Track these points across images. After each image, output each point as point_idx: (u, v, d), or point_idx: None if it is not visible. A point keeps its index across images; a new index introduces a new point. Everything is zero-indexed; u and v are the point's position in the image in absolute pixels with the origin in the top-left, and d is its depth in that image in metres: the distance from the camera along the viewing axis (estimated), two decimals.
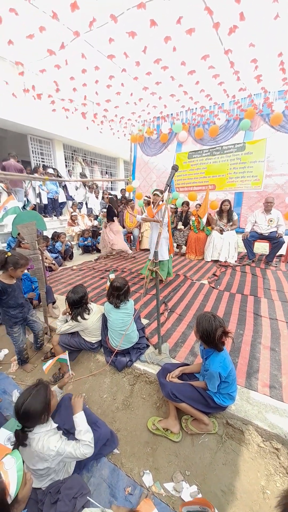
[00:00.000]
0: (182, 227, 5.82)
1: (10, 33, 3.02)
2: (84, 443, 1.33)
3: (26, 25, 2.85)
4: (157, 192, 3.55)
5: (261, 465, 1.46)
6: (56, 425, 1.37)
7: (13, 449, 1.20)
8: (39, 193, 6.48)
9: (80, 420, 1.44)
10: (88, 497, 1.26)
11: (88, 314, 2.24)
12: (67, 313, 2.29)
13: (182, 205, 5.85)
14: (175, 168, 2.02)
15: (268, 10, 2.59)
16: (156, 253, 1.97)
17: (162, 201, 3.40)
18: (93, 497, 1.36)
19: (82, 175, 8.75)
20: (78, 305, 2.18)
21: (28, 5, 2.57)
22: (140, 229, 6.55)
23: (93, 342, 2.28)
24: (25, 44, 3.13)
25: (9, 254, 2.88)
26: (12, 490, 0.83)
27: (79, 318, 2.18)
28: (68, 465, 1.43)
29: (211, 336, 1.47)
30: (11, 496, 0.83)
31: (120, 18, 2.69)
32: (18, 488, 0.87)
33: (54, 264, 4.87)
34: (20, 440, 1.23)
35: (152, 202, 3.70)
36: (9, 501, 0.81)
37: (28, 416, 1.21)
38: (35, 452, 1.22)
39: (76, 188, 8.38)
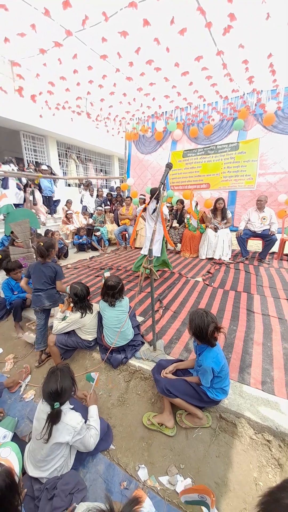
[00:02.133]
0: (177, 225, 5.85)
1: (1, 30, 2.96)
2: (94, 431, 1.51)
3: (17, 22, 2.80)
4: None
5: (253, 457, 1.49)
6: (72, 405, 1.51)
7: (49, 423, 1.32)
8: (33, 190, 6.39)
9: (94, 410, 1.66)
10: (85, 494, 1.28)
11: (92, 308, 2.30)
12: (66, 310, 2.28)
13: (176, 203, 5.88)
14: (169, 166, 2.02)
15: (258, 11, 2.61)
16: (150, 251, 1.98)
17: (157, 199, 3.44)
18: (89, 493, 1.38)
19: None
20: (87, 298, 2.26)
21: (19, 1, 2.51)
22: (135, 227, 6.53)
23: (90, 340, 2.29)
24: (17, 41, 3.07)
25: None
26: (17, 470, 0.94)
27: (87, 311, 2.25)
28: (68, 459, 1.44)
29: (204, 332, 1.49)
30: (18, 475, 0.93)
31: (113, 18, 2.67)
32: (21, 468, 0.93)
33: None
34: (57, 416, 1.35)
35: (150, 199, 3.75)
36: (17, 480, 0.89)
37: (65, 393, 1.38)
38: (63, 424, 1.36)
39: (69, 185, 8.32)
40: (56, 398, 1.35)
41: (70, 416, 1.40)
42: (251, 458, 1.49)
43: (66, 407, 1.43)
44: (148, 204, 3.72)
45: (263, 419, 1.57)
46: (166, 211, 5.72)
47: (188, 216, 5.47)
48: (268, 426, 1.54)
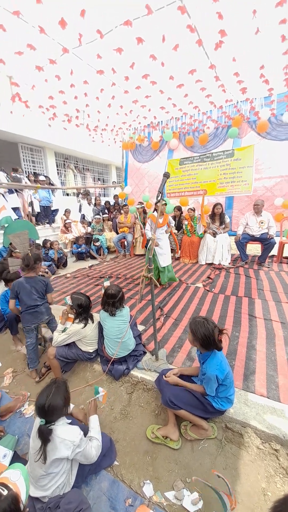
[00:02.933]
0: (176, 231, 5.87)
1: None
2: (96, 442, 1.46)
3: (14, 39, 2.89)
4: (165, 202, 3.78)
5: (261, 467, 1.45)
6: (70, 420, 1.45)
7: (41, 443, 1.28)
8: (31, 201, 6.44)
9: (95, 420, 1.60)
10: None
11: (93, 318, 2.28)
12: (67, 321, 2.26)
13: (174, 210, 5.92)
14: (166, 176, 2.05)
15: (248, 26, 2.72)
16: (150, 260, 1.98)
17: (156, 210, 3.51)
18: (94, 510, 1.33)
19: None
20: (88, 308, 2.23)
21: (16, 20, 2.61)
22: (134, 235, 6.57)
23: (91, 351, 2.25)
24: (14, 58, 3.17)
25: None
26: (23, 497, 0.92)
27: (89, 321, 2.22)
28: (70, 476, 1.40)
29: (211, 339, 1.49)
30: (23, 502, 0.90)
31: (108, 35, 2.77)
32: (27, 495, 0.94)
33: (47, 272, 4.82)
34: (45, 435, 1.29)
35: (155, 210, 3.81)
36: (22, 508, 0.87)
37: (53, 410, 1.31)
38: (59, 439, 1.30)
39: (68, 194, 8.39)
40: (43, 415, 1.30)
41: (67, 431, 1.35)
42: (258, 469, 1.45)
43: (62, 422, 1.37)
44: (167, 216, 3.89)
45: (270, 427, 1.54)
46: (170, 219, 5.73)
47: (186, 222, 5.51)
48: (275, 434, 1.50)
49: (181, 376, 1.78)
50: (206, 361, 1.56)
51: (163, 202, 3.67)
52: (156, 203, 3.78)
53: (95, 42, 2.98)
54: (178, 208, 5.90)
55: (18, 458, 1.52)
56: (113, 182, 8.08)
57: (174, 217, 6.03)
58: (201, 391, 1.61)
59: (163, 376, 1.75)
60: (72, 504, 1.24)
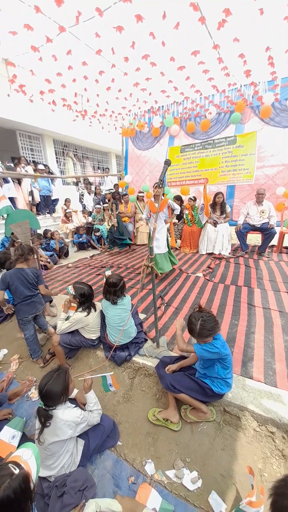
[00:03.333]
0: (176, 221, 5.83)
1: None
2: (97, 412, 1.59)
3: (10, 19, 2.76)
4: (157, 184, 3.58)
5: (257, 448, 1.52)
6: (74, 405, 1.52)
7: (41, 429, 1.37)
8: (31, 191, 6.37)
9: (92, 395, 1.65)
10: (94, 491, 1.31)
11: (96, 307, 2.33)
12: (69, 310, 2.30)
13: (173, 199, 5.82)
14: (167, 163, 2.02)
15: (252, 7, 2.58)
16: (151, 249, 1.99)
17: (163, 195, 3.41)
18: (98, 488, 1.41)
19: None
20: (91, 297, 2.27)
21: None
22: (134, 224, 6.54)
23: (94, 338, 2.31)
24: (10, 39, 3.03)
25: None
26: (33, 476, 0.92)
27: (92, 310, 2.27)
28: (75, 455, 1.47)
29: (216, 323, 1.54)
30: (34, 482, 0.91)
31: (107, 13, 2.63)
32: (37, 475, 0.96)
33: (49, 262, 4.85)
34: (42, 417, 1.37)
35: (154, 196, 3.69)
36: (32, 487, 0.89)
37: (49, 396, 1.38)
38: (62, 421, 1.38)
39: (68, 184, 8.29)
40: (41, 398, 1.39)
41: (68, 413, 1.42)
42: (255, 450, 1.52)
43: (64, 407, 1.44)
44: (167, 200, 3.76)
45: (266, 411, 1.60)
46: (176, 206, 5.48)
47: (187, 212, 5.46)
48: (271, 418, 1.57)
49: (181, 369, 1.83)
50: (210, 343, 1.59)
51: (156, 184, 3.59)
52: (153, 187, 3.70)
53: (93, 20, 2.84)
54: (178, 198, 5.81)
55: (26, 439, 1.59)
56: (115, 185, 7.94)
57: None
58: (195, 356, 1.63)
59: (165, 370, 1.80)
60: (78, 482, 1.31)
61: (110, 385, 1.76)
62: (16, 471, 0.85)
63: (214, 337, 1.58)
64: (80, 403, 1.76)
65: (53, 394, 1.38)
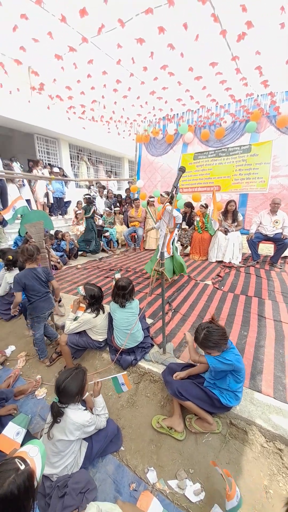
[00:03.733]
0: (186, 227, 5.82)
1: (20, 37, 3.06)
2: (104, 416, 1.60)
3: (35, 28, 2.89)
4: (163, 194, 3.66)
5: (264, 465, 1.47)
6: (84, 407, 1.53)
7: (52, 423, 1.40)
8: (47, 192, 6.54)
9: (101, 399, 1.66)
10: (95, 494, 1.30)
11: (104, 309, 2.34)
12: (78, 310, 2.33)
13: (183, 206, 5.82)
14: (182, 170, 2.03)
15: (273, 19, 2.60)
16: (162, 254, 2.00)
17: (170, 202, 3.45)
18: (98, 492, 1.40)
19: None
20: (101, 299, 2.29)
21: (38, 9, 2.60)
22: (144, 229, 6.57)
23: (100, 340, 2.32)
24: (34, 47, 3.17)
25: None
26: (38, 475, 0.91)
27: (100, 312, 2.28)
28: (78, 457, 1.47)
29: (225, 335, 1.53)
30: (37, 480, 0.91)
31: (128, 24, 2.72)
32: (42, 473, 0.95)
33: (59, 263, 4.93)
34: (56, 414, 1.39)
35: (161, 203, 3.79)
36: (35, 485, 0.89)
37: (66, 393, 1.39)
38: (71, 422, 1.38)
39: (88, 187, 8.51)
40: (57, 392, 1.40)
41: (79, 415, 1.43)
42: (261, 466, 1.47)
43: (75, 408, 1.45)
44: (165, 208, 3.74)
45: (275, 427, 1.55)
46: (177, 213, 5.66)
47: (198, 219, 5.45)
48: (280, 434, 1.51)
49: (189, 377, 1.80)
50: (224, 352, 1.56)
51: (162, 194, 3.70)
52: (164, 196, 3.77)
53: (114, 31, 2.93)
54: (188, 205, 5.80)
55: (30, 436, 1.60)
56: (126, 189, 8.02)
57: (184, 214, 5.95)
58: (204, 365, 1.59)
59: (173, 377, 1.78)
60: (80, 484, 1.31)
61: (123, 384, 1.75)
62: (22, 467, 0.86)
63: (230, 348, 1.56)
64: (88, 406, 1.76)
65: (70, 391, 1.39)
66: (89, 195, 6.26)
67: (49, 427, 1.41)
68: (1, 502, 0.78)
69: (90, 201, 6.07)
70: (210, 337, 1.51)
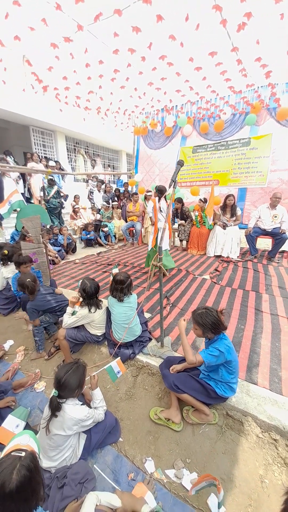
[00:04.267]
0: (183, 221, 5.80)
1: (14, 26, 2.96)
2: (102, 409, 1.62)
3: (29, 16, 2.79)
4: (170, 184, 3.68)
5: (259, 455, 1.51)
6: (81, 402, 1.54)
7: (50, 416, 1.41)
8: (43, 186, 6.46)
9: (99, 392, 1.67)
10: (94, 484, 1.33)
11: (101, 305, 2.34)
12: (75, 305, 2.33)
13: (174, 201, 5.78)
14: (180, 164, 2.01)
15: (273, 10, 2.54)
16: (160, 248, 1.99)
17: (160, 197, 3.52)
18: (98, 482, 1.42)
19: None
20: (96, 295, 2.27)
21: None
22: (143, 224, 6.54)
23: (99, 334, 2.33)
24: (29, 36, 3.07)
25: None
26: (38, 452, 1.00)
27: (96, 308, 2.27)
28: (76, 449, 1.49)
29: (219, 322, 1.55)
30: (40, 458, 1.01)
31: (125, 12, 2.63)
32: (39, 453, 1.05)
33: (57, 258, 4.90)
34: (54, 408, 1.39)
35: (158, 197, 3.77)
36: (40, 463, 0.99)
37: (66, 387, 1.40)
38: (69, 417, 1.39)
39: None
40: (57, 386, 1.41)
41: (76, 410, 1.44)
42: (257, 456, 1.51)
43: (73, 403, 1.46)
44: (159, 203, 3.74)
45: (270, 418, 1.58)
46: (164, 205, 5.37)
47: (197, 213, 5.42)
48: (275, 425, 1.54)
49: (185, 370, 1.82)
50: (215, 341, 1.59)
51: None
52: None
53: (111, 19, 2.84)
54: (179, 200, 5.77)
55: (29, 429, 1.62)
56: (124, 183, 7.89)
57: (175, 210, 5.90)
58: (199, 359, 1.62)
59: (169, 370, 1.80)
60: (79, 474, 1.33)
61: (118, 372, 1.77)
62: (22, 454, 0.88)
63: (221, 337, 1.58)
64: (86, 399, 1.78)
65: (70, 385, 1.40)
66: (52, 176, 6.32)
67: (47, 421, 1.41)
68: (20, 488, 0.83)
69: (51, 183, 6.18)
70: (205, 316, 1.56)
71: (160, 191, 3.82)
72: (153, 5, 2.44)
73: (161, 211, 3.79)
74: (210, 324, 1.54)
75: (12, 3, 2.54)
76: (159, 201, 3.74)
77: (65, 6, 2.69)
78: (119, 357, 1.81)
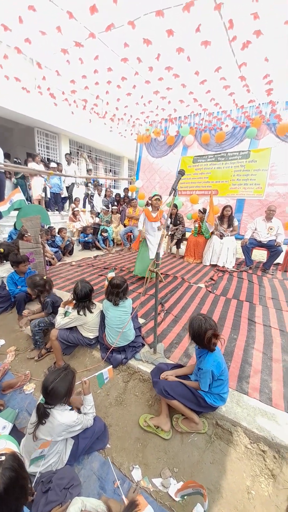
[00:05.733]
0: (172, 225, 5.90)
1: (26, 29, 3.04)
2: (91, 415, 1.60)
3: (43, 21, 2.88)
4: (158, 197, 3.71)
5: (247, 465, 1.50)
6: (70, 407, 1.51)
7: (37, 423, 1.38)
8: (45, 187, 6.49)
9: (90, 398, 1.64)
10: (79, 490, 1.31)
11: (94, 308, 2.32)
12: (68, 305, 2.32)
13: (169, 206, 5.87)
14: (181, 173, 2.06)
15: (280, 27, 2.66)
16: (158, 255, 2.01)
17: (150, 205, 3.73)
18: (83, 489, 1.40)
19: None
20: (87, 298, 2.25)
21: (47, 2, 2.59)
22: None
23: (91, 337, 2.32)
24: (40, 40, 3.15)
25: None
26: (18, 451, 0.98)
27: (86, 311, 2.24)
28: (63, 455, 1.47)
29: (201, 337, 1.53)
30: (21, 456, 1.00)
31: (137, 23, 2.73)
32: (20, 451, 1.06)
33: (53, 259, 4.89)
34: (41, 415, 1.37)
35: (152, 205, 3.83)
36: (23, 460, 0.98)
37: (53, 394, 1.37)
38: (58, 423, 1.37)
39: (78, 186, 8.43)
40: (45, 394, 1.38)
41: (65, 416, 1.41)
42: (245, 467, 1.50)
43: (62, 408, 1.43)
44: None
45: (259, 429, 1.58)
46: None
47: (196, 224, 5.50)
48: (264, 436, 1.54)
49: (176, 377, 1.82)
50: (203, 356, 1.60)
51: (156, 197, 3.77)
52: (150, 198, 3.86)
53: (122, 29, 2.93)
54: (174, 205, 5.90)
55: (16, 431, 1.59)
56: (125, 189, 7.97)
57: (170, 214, 5.98)
58: (195, 386, 1.65)
59: (160, 376, 1.79)
60: (64, 480, 1.31)
61: (107, 378, 1.76)
62: (3, 458, 0.88)
63: (209, 354, 1.58)
64: (74, 406, 1.75)
65: (58, 393, 1.37)
66: (18, 159, 6.36)
67: (34, 427, 1.38)
68: (9, 490, 0.84)
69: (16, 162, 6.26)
70: (194, 322, 1.56)
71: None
72: (165, 18, 2.53)
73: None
74: (193, 332, 1.56)
75: (27, 8, 2.62)
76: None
77: (78, 14, 2.78)
78: (111, 366, 1.80)
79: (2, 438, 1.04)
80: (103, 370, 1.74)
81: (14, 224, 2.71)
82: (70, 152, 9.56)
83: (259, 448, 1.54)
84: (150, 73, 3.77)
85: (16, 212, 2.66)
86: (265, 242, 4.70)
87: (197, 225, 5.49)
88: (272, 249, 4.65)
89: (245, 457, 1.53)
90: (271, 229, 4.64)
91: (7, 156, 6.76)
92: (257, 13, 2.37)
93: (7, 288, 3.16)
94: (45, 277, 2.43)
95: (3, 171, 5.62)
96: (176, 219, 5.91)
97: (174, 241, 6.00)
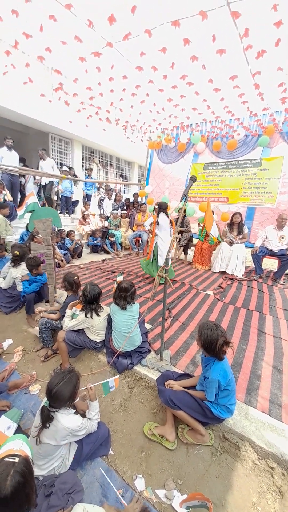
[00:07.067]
0: (180, 235, 5.90)
1: (46, 38, 3.16)
2: (96, 421, 1.57)
3: (62, 31, 2.99)
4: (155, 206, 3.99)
5: (254, 482, 1.44)
6: (74, 411, 1.49)
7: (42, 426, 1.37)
8: (57, 190, 6.63)
9: (96, 404, 1.62)
10: (82, 496, 1.29)
11: (101, 311, 2.32)
12: (75, 307, 2.33)
13: (178, 211, 5.87)
14: (193, 179, 2.06)
15: None
16: (167, 260, 2.01)
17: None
18: (85, 495, 1.38)
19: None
20: (95, 301, 2.25)
21: (67, 12, 2.69)
22: (149, 234, 6.59)
23: (98, 341, 2.32)
24: (58, 48, 3.28)
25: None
26: (30, 456, 0.98)
27: (93, 314, 2.25)
28: (66, 459, 1.46)
29: (213, 345, 1.49)
30: (32, 462, 0.97)
31: (153, 32, 2.79)
32: (32, 456, 1.02)
33: (62, 261, 4.96)
34: (45, 418, 1.35)
35: (157, 212, 4.07)
36: (33, 467, 0.95)
37: (57, 397, 1.35)
38: (62, 427, 1.35)
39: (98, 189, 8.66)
40: (49, 397, 1.36)
41: (70, 420, 1.40)
42: (252, 483, 1.44)
43: (66, 412, 1.41)
44: (158, 217, 3.98)
45: (269, 445, 1.52)
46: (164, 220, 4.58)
47: (205, 231, 5.47)
48: (273, 452, 1.49)
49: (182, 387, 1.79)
50: (209, 365, 1.56)
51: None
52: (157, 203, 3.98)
53: (138, 38, 3.01)
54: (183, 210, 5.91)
55: (21, 431, 1.59)
56: (134, 194, 8.06)
57: (177, 218, 5.96)
58: (201, 397, 1.61)
59: (165, 384, 1.77)
60: (67, 484, 1.29)
61: (113, 387, 1.73)
62: (16, 459, 0.87)
63: (216, 363, 1.54)
64: (79, 409, 1.74)
65: (62, 396, 1.35)
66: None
67: (38, 431, 1.36)
68: (15, 494, 0.83)
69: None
70: (206, 329, 1.52)
71: (160, 207, 4.14)
72: (181, 28, 2.58)
73: (158, 223, 4.08)
74: (203, 338, 1.52)
75: (48, 17, 2.73)
76: (158, 216, 4.02)
77: (96, 23, 2.88)
78: (118, 376, 1.78)
79: (19, 439, 1.02)
80: (109, 379, 1.71)
81: (26, 225, 2.78)
82: (82, 157, 9.78)
83: (268, 464, 1.48)
84: (164, 81, 3.84)
85: (29, 214, 2.73)
86: (276, 251, 4.61)
87: (201, 227, 5.48)
88: (284, 258, 4.55)
89: (253, 473, 1.48)
90: (282, 237, 4.56)
91: (22, 160, 6.97)
92: (281, 20, 2.38)
93: (18, 289, 3.20)
94: (75, 278, 2.48)
95: (18, 174, 5.79)
96: (182, 222, 5.89)
97: (181, 248, 5.98)
